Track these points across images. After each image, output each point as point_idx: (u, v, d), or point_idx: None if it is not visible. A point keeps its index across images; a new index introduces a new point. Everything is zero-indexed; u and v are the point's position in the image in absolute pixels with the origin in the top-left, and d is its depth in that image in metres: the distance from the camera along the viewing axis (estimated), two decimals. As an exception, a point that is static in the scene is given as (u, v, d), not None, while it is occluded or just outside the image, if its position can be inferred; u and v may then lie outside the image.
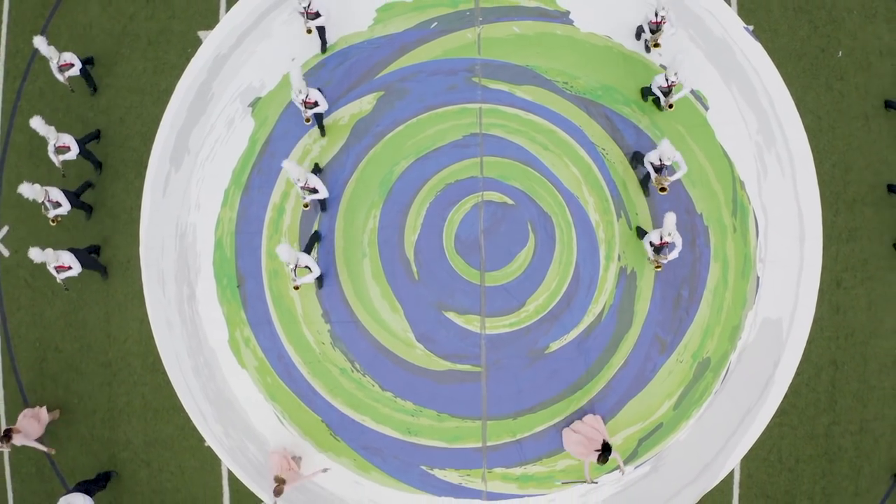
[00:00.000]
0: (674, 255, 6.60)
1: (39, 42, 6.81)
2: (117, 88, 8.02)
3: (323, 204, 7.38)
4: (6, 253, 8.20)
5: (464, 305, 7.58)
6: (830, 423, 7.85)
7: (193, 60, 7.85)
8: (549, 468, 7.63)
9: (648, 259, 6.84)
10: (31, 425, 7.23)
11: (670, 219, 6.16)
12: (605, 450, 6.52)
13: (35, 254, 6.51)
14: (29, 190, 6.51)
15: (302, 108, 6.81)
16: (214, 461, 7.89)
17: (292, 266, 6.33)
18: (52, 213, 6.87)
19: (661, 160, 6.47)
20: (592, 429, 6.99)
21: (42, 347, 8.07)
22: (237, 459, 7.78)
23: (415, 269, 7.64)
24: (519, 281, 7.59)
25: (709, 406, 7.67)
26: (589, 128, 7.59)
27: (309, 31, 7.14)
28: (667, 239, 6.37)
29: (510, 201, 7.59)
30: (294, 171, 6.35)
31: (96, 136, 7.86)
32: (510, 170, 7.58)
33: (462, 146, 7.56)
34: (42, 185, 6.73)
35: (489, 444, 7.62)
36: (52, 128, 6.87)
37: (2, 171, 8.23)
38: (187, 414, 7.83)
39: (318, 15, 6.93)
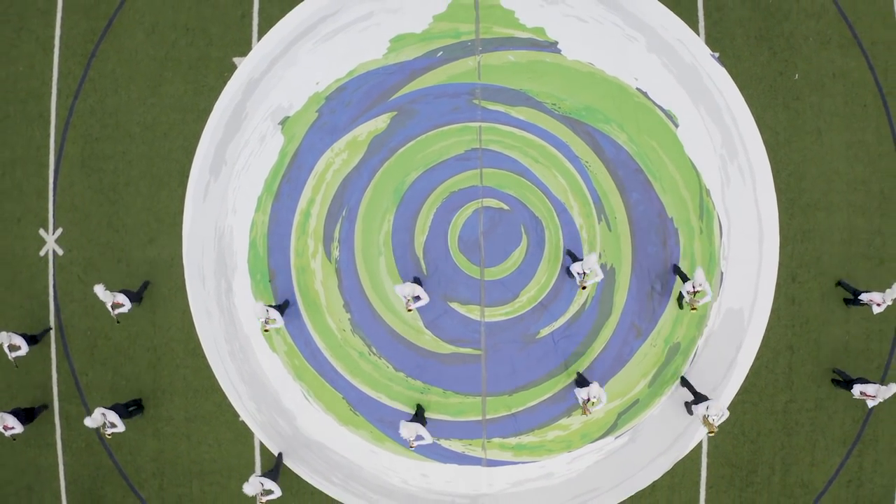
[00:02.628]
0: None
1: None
2: (161, 107, 10.60)
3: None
4: (60, 252, 10.81)
5: (466, 297, 10.21)
6: (788, 400, 10.45)
7: (229, 83, 10.42)
8: (541, 438, 10.28)
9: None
10: None
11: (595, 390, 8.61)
12: None
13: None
14: (91, 421, 8.94)
15: None
16: (248, 434, 10.51)
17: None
18: (109, 432, 9.06)
19: (693, 286, 8.80)
20: None
21: (93, 335, 10.65)
22: (268, 433, 10.39)
23: (423, 265, 10.29)
24: (514, 276, 10.22)
25: (679, 385, 10.33)
26: (574, 143, 10.21)
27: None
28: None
29: (506, 207, 10.23)
30: (405, 290, 8.87)
31: (142, 292, 10.22)
32: (506, 180, 10.19)
33: (464, 159, 10.16)
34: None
35: (488, 417, 10.27)
36: (108, 292, 9.21)
37: (56, 180, 10.83)
38: (224, 393, 10.44)
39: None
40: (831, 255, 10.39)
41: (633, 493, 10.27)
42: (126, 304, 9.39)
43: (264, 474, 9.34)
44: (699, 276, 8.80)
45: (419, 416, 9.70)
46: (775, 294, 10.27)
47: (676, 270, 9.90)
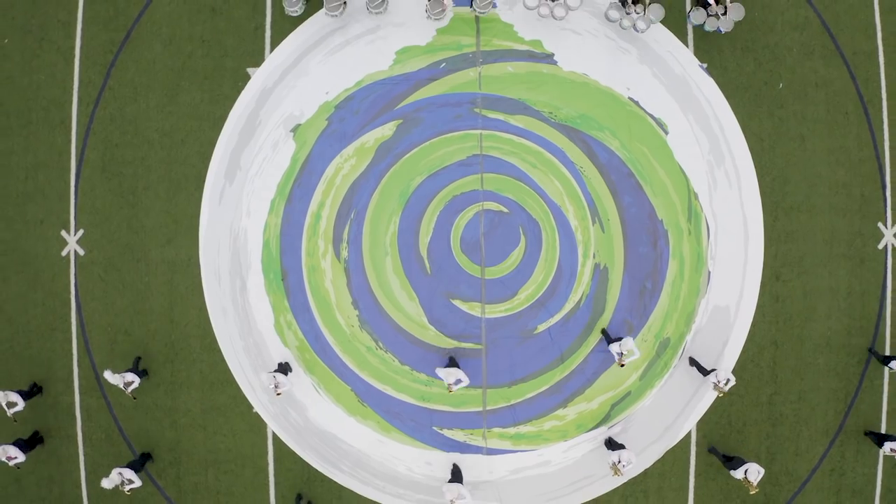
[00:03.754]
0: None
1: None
2: (179, 115, 11.84)
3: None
4: (81, 252, 12.05)
5: (467, 294, 11.46)
6: (773, 393, 11.71)
7: (243, 92, 11.58)
8: (538, 428, 11.56)
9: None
10: None
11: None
12: None
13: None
14: (108, 482, 10.28)
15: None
16: (261, 425, 11.74)
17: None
18: (127, 488, 10.39)
19: (718, 378, 10.37)
20: None
21: (113, 332, 11.83)
22: (280, 423, 11.62)
23: (427, 265, 11.53)
24: (512, 275, 11.45)
25: (669, 377, 11.58)
26: (570, 149, 11.43)
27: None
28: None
29: (505, 210, 11.48)
30: (449, 377, 10.20)
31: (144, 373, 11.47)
32: (505, 184, 11.41)
33: (466, 165, 11.38)
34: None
35: (488, 408, 11.55)
36: (118, 375, 10.67)
37: (78, 183, 12.05)
38: (238, 386, 11.62)
39: None
40: (813, 256, 11.60)
41: (625, 480, 11.52)
42: (136, 381, 10.81)
43: None
44: (723, 373, 10.34)
45: (457, 476, 11.00)
46: (760, 292, 11.48)
47: (693, 363, 11.21)
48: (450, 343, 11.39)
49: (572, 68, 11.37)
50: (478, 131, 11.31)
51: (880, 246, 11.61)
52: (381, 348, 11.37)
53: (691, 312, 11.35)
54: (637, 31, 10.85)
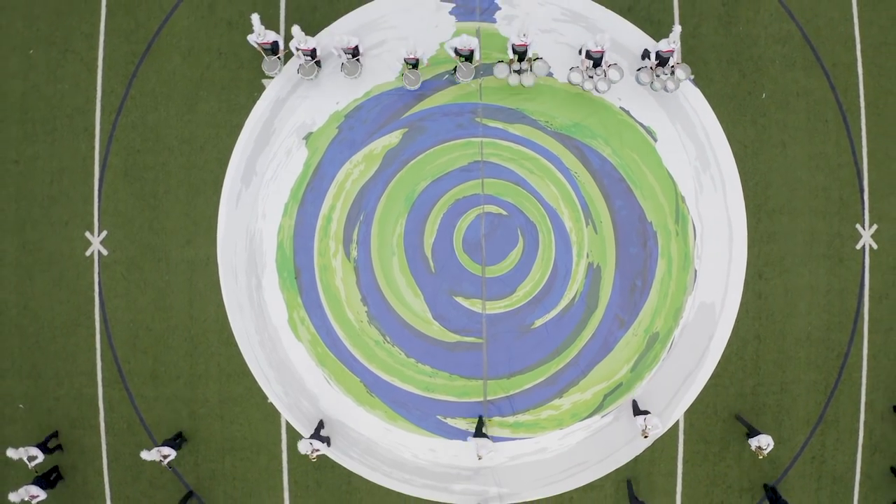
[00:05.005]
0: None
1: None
2: (198, 124, 13.16)
3: None
4: (105, 252, 13.43)
5: (469, 292, 12.80)
6: (756, 384, 13.07)
7: (259, 102, 12.91)
8: (535, 417, 12.93)
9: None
10: None
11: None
12: None
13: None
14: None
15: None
16: (275, 414, 13.08)
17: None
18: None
19: (759, 444, 11.47)
20: None
21: (135, 327, 13.15)
22: (293, 413, 12.96)
23: (432, 264, 12.88)
24: (511, 273, 12.78)
25: (658, 370, 12.94)
26: (565, 156, 12.79)
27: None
28: None
29: (504, 213, 12.82)
30: (481, 449, 11.55)
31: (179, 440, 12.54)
32: (504, 189, 12.73)
33: (467, 170, 12.71)
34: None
35: (489, 398, 12.91)
36: (154, 451, 11.39)
37: (101, 187, 13.41)
38: (254, 377, 12.93)
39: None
40: (794, 255, 12.89)
41: (618, 466, 12.84)
42: (172, 454, 11.95)
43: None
44: (765, 440, 11.50)
45: None
46: (744, 290, 12.76)
47: (739, 419, 12.56)
48: (452, 337, 12.73)
49: (567, 80, 12.69)
50: (479, 139, 12.65)
51: (858, 246, 12.90)
52: (388, 342, 12.72)
53: (679, 308, 12.69)
54: (598, 92, 12.20)
